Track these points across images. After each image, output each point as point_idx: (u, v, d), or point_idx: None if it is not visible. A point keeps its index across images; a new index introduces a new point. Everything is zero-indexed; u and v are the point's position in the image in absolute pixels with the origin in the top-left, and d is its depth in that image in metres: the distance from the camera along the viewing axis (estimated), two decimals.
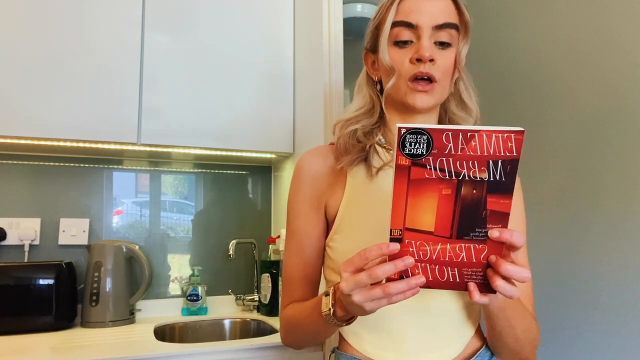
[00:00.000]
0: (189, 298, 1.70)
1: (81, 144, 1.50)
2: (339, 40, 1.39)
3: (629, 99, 1.06)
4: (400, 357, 0.74)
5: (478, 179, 0.53)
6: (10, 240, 1.57)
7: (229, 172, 1.91)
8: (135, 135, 1.49)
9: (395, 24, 0.77)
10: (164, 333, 1.57)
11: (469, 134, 0.52)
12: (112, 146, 1.53)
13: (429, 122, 0.83)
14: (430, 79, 0.75)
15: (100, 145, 1.52)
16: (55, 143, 1.48)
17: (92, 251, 1.56)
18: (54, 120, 1.41)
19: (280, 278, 1.66)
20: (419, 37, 0.75)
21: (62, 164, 1.67)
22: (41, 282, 1.43)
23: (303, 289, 0.84)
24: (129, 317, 1.57)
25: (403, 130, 0.53)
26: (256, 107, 1.64)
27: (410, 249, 0.57)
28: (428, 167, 0.54)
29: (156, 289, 1.73)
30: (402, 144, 0.53)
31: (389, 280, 0.58)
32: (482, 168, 0.53)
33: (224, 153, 1.69)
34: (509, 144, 0.52)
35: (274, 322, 1.58)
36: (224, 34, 1.62)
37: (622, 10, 1.09)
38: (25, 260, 1.57)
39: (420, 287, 0.58)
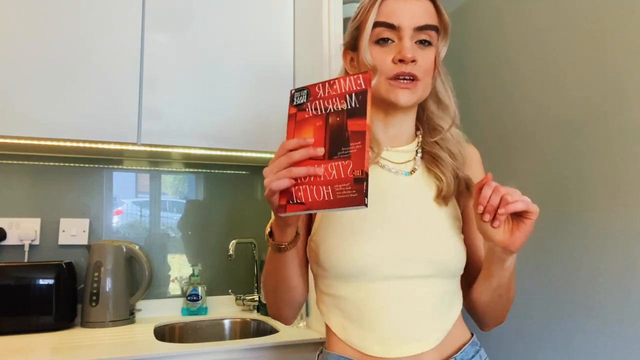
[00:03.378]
0: (189, 298, 1.70)
1: (81, 144, 1.50)
2: (339, 40, 1.39)
3: (614, 99, 1.07)
4: (385, 348, 0.75)
5: (339, 109, 0.68)
6: (10, 240, 1.57)
7: (229, 172, 1.91)
8: (135, 135, 1.49)
9: (376, 25, 0.79)
10: (164, 333, 1.57)
11: (332, 81, 0.70)
12: (112, 146, 1.53)
13: (408, 120, 0.87)
14: (412, 78, 0.78)
15: (100, 145, 1.52)
16: (55, 143, 1.48)
17: (92, 251, 1.56)
18: (54, 120, 1.41)
19: None
20: (400, 37, 0.78)
21: (62, 164, 1.67)
22: (41, 282, 1.43)
23: None
24: (129, 317, 1.57)
25: (293, 91, 0.73)
26: (256, 107, 1.64)
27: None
28: (307, 109, 0.71)
29: (156, 289, 1.73)
30: (292, 100, 0.72)
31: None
32: (342, 101, 0.68)
33: (224, 153, 1.69)
34: (359, 82, 0.67)
35: (274, 322, 1.58)
36: (224, 34, 1.63)
37: (613, 15, 1.09)
38: (25, 260, 1.57)
39: (301, 210, 0.66)
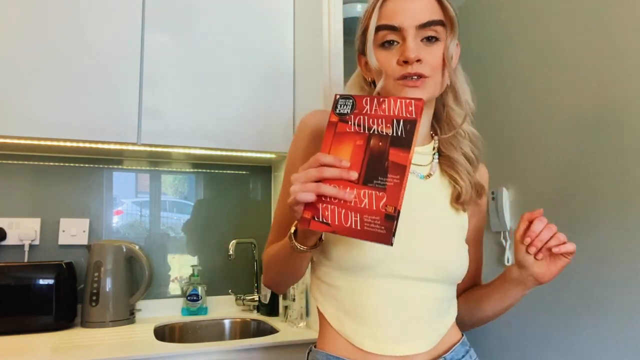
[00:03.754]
0: (189, 298, 1.70)
1: (81, 144, 1.50)
2: (339, 40, 1.39)
3: (624, 101, 1.07)
4: (378, 344, 0.75)
5: (384, 133, 0.64)
6: (10, 240, 1.57)
7: (229, 172, 1.91)
8: (135, 135, 1.49)
9: (379, 28, 0.78)
10: (164, 333, 1.57)
11: (381, 99, 0.66)
12: (112, 146, 1.54)
13: (424, 120, 0.85)
14: (419, 76, 0.76)
15: (100, 145, 1.52)
16: (55, 143, 1.48)
17: (92, 251, 1.56)
18: (54, 120, 1.41)
19: None
20: (404, 38, 0.76)
21: (62, 164, 1.67)
22: (41, 282, 1.43)
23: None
24: (129, 317, 1.57)
25: (337, 96, 0.68)
26: (256, 107, 1.64)
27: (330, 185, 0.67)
28: (349, 122, 0.67)
29: (156, 289, 1.73)
30: (335, 106, 0.68)
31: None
32: (388, 125, 0.64)
33: (224, 153, 1.69)
34: (410, 108, 0.64)
35: (274, 322, 1.58)
36: (224, 34, 1.63)
37: (618, 14, 1.09)
38: (25, 260, 1.57)
39: (325, 230, 0.64)
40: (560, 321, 1.22)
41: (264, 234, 1.88)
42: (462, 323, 0.89)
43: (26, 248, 1.57)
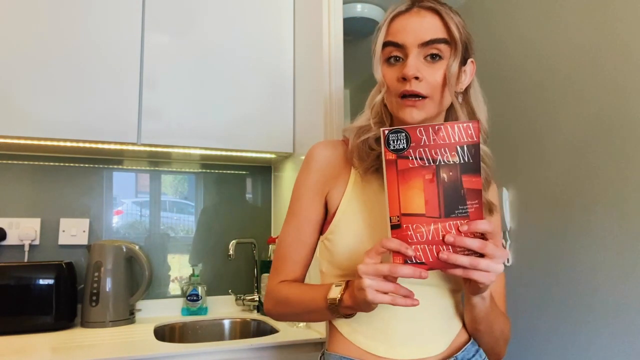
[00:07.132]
0: (189, 298, 1.70)
1: (81, 144, 1.50)
2: (339, 40, 1.39)
3: (627, 102, 1.06)
4: (390, 348, 0.77)
5: (451, 162, 0.64)
6: (10, 240, 1.57)
7: (229, 172, 1.91)
8: (135, 135, 1.49)
9: (385, 45, 0.80)
10: (164, 333, 1.57)
11: (436, 127, 0.65)
12: (112, 146, 1.54)
13: None
14: (417, 96, 0.77)
15: (100, 145, 1.52)
16: (55, 143, 1.48)
17: (92, 251, 1.56)
18: (54, 120, 1.41)
19: None
20: (406, 55, 0.78)
21: (62, 164, 1.67)
22: (41, 282, 1.43)
23: (295, 269, 0.87)
24: (129, 317, 1.57)
25: (386, 132, 0.66)
26: (256, 107, 1.64)
27: (409, 232, 0.65)
28: (410, 157, 0.65)
29: (156, 289, 1.73)
30: (387, 143, 0.66)
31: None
32: (453, 153, 0.64)
33: (224, 153, 1.69)
34: (469, 132, 0.64)
35: (274, 322, 1.57)
36: (224, 34, 1.62)
37: (630, 9, 1.09)
38: (25, 260, 1.57)
39: (425, 269, 0.64)
40: (562, 320, 1.22)
41: (264, 234, 1.89)
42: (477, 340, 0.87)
43: (26, 248, 1.57)
